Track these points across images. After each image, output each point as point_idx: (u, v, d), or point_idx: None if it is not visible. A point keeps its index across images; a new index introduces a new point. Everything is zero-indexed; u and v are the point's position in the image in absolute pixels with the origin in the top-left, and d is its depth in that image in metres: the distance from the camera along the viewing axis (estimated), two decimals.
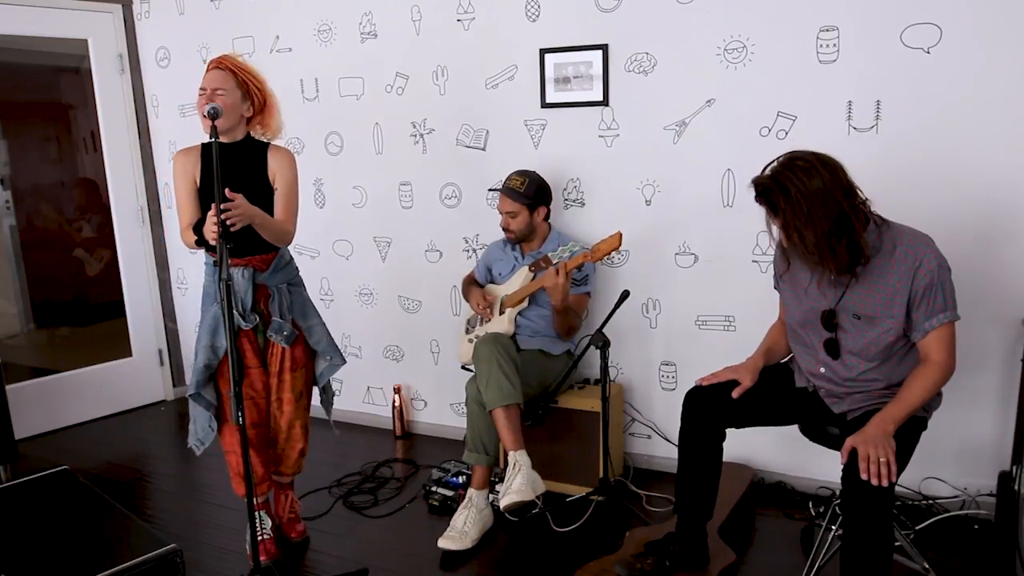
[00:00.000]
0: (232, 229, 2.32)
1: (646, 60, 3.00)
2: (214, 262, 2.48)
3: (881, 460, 1.82)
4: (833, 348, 2.12)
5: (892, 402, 1.97)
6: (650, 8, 2.95)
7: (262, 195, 2.51)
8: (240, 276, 2.46)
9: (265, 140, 2.57)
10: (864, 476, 1.82)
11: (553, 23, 3.13)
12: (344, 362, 2.72)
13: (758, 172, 1.98)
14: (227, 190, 2.25)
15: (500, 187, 3.00)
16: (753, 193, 1.97)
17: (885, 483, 1.81)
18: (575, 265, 2.78)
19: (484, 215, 3.40)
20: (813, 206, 1.87)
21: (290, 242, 2.60)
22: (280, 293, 2.55)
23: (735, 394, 2.21)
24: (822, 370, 2.18)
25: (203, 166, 2.48)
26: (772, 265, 2.36)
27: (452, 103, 3.40)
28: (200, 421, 2.57)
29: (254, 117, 2.52)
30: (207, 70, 2.43)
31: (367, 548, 2.73)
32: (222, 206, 2.22)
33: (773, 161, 1.98)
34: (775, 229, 2.01)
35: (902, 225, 2.03)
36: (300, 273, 2.69)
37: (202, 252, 2.56)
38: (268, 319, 2.55)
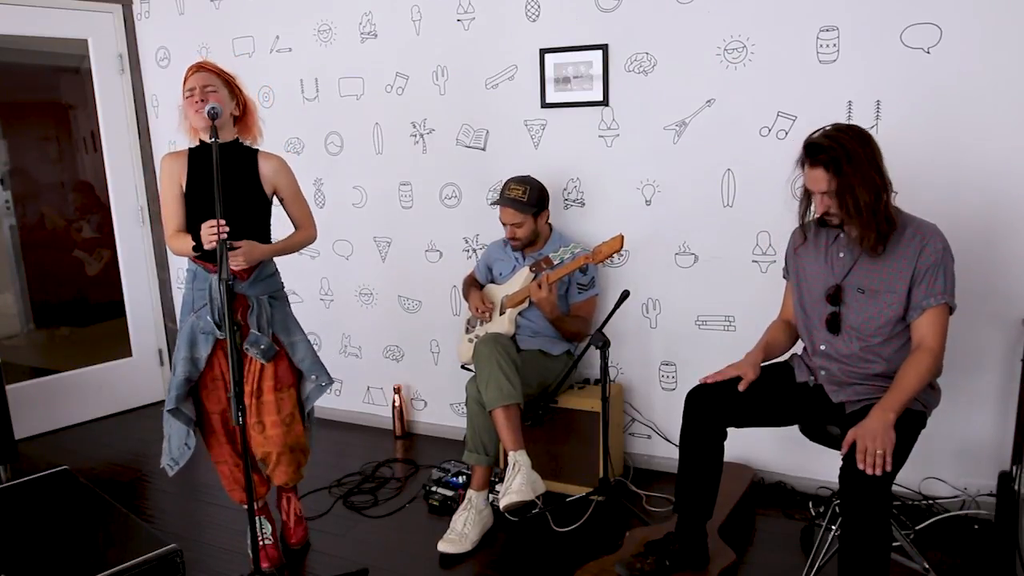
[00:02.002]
0: (239, 268, 2.37)
1: (646, 60, 3.00)
2: (200, 267, 2.46)
3: (878, 452, 1.85)
4: (835, 323, 2.18)
5: (888, 392, 2.01)
6: (650, 8, 2.95)
7: (255, 201, 2.49)
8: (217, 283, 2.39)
9: (248, 144, 2.54)
10: (860, 466, 1.85)
11: (553, 23, 3.13)
12: (331, 382, 2.62)
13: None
14: (230, 240, 2.27)
15: (500, 199, 2.97)
16: (810, 155, 2.04)
17: (879, 472, 1.84)
18: (557, 278, 2.79)
19: (484, 215, 3.40)
20: (867, 170, 1.99)
21: (315, 240, 2.64)
22: (260, 305, 2.48)
23: (741, 387, 2.23)
24: (822, 347, 2.22)
25: (190, 170, 2.45)
26: (784, 256, 2.40)
27: (452, 103, 3.40)
28: (175, 439, 2.48)
29: (239, 120, 2.51)
30: (188, 75, 2.44)
31: (367, 548, 2.73)
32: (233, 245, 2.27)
33: (818, 131, 2.07)
34: (826, 185, 2.04)
35: (912, 214, 2.13)
36: (286, 288, 2.63)
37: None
38: (246, 332, 2.46)
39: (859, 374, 2.15)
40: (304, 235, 2.60)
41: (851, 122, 2.12)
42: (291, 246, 2.57)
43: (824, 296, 2.19)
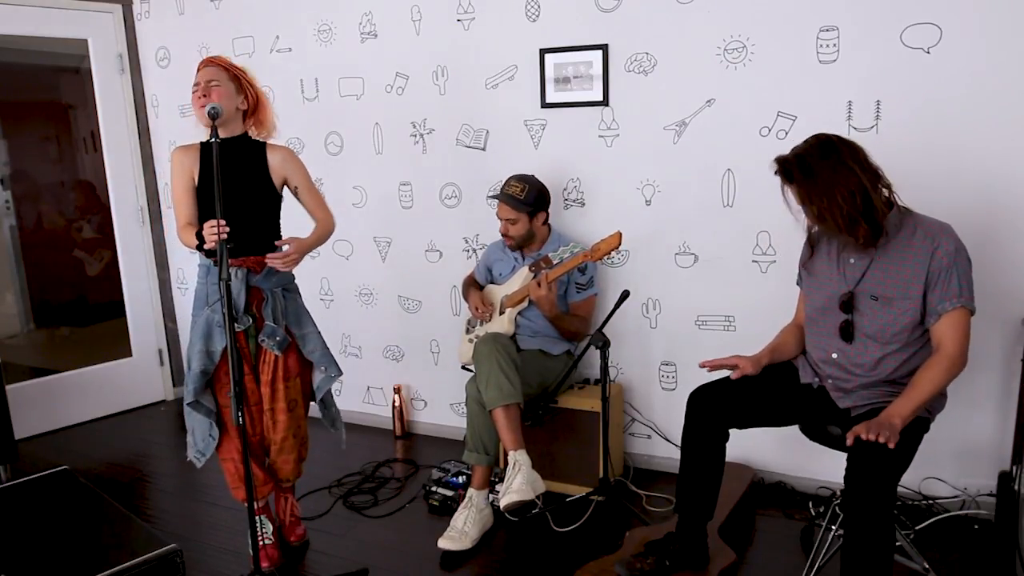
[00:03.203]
0: (293, 268, 2.44)
1: (646, 60, 3.00)
2: (213, 263, 2.47)
3: (886, 433, 1.83)
4: (848, 331, 2.14)
5: (900, 397, 1.97)
6: (650, 8, 2.95)
7: (264, 194, 2.51)
8: (234, 277, 2.42)
9: (261, 139, 2.56)
10: (864, 436, 1.83)
11: (553, 23, 3.13)
12: (340, 373, 2.66)
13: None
14: (277, 242, 2.42)
15: (499, 193, 2.98)
16: (775, 171, 2.05)
17: (892, 444, 1.81)
18: (557, 276, 2.79)
19: (484, 215, 3.40)
20: (827, 174, 1.96)
21: (335, 226, 2.65)
22: (275, 297, 2.52)
23: (733, 376, 2.22)
24: (834, 355, 2.19)
25: (202, 164, 2.47)
26: (798, 261, 2.36)
27: (452, 103, 3.40)
28: (200, 431, 2.51)
29: (249, 115, 2.52)
30: (198, 69, 2.45)
31: (367, 548, 2.73)
32: (272, 256, 2.37)
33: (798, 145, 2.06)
34: (794, 206, 2.06)
35: (924, 215, 2.09)
36: (296, 280, 2.66)
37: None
38: (261, 324, 2.51)
39: (869, 381, 2.12)
40: (326, 225, 2.62)
41: (829, 131, 2.08)
42: (321, 237, 2.60)
43: (837, 303, 2.15)
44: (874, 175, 2.00)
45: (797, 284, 2.39)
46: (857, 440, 1.88)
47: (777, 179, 2.08)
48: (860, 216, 1.97)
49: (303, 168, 2.60)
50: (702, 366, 2.29)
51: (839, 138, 2.03)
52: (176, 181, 2.48)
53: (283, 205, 2.62)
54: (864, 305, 2.11)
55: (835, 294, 2.16)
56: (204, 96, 2.36)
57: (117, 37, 4.08)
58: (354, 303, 3.87)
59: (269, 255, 2.38)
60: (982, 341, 2.61)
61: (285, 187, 2.59)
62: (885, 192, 2.03)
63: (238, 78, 2.47)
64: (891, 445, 1.81)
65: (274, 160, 2.52)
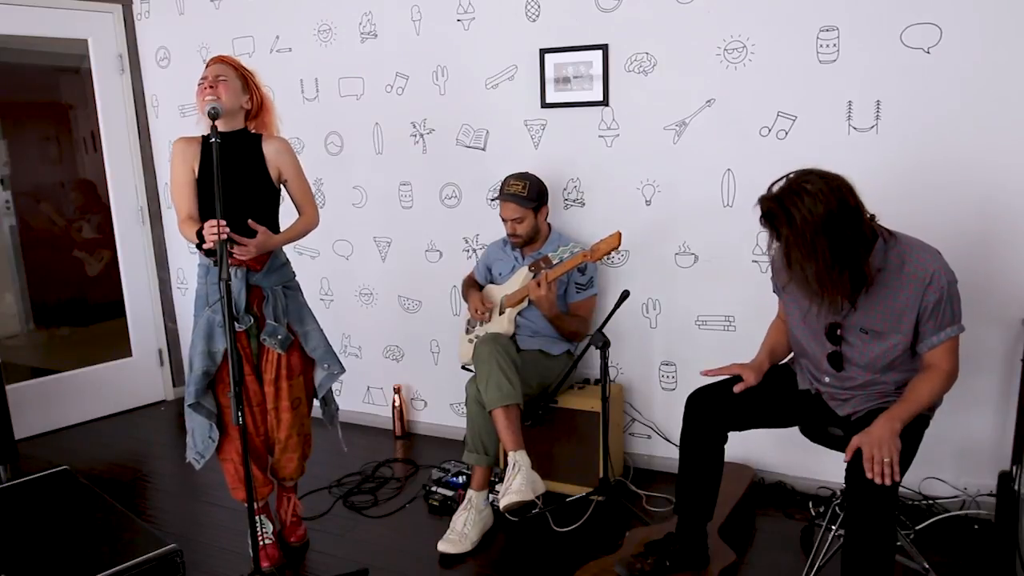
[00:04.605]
0: (247, 257, 2.39)
1: (646, 60, 3.00)
2: (213, 263, 2.47)
3: (885, 460, 1.82)
4: (837, 361, 2.11)
5: (899, 402, 1.97)
6: (650, 8, 2.95)
7: (261, 187, 2.51)
8: (233, 276, 2.42)
9: (255, 132, 2.56)
10: (869, 476, 1.82)
11: (553, 23, 3.13)
12: (343, 370, 2.67)
13: (757, 181, 1.97)
14: (250, 221, 2.36)
15: (500, 195, 2.98)
16: (758, 212, 1.92)
17: (888, 482, 1.81)
18: (556, 276, 2.79)
19: (484, 215, 3.40)
20: (817, 236, 1.81)
21: (317, 224, 2.64)
22: (275, 295, 2.52)
23: (737, 389, 2.20)
24: (826, 379, 2.17)
25: (203, 158, 2.46)
26: (772, 269, 2.31)
27: (452, 103, 3.40)
28: (199, 432, 2.50)
29: (252, 116, 2.53)
30: (207, 65, 2.47)
31: (367, 548, 2.73)
32: (240, 242, 2.33)
33: (782, 178, 1.92)
34: (774, 247, 1.97)
35: (910, 238, 2.00)
36: (297, 277, 2.66)
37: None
38: (263, 323, 2.51)
39: (864, 394, 2.12)
40: (306, 220, 2.61)
41: (823, 169, 1.89)
42: (297, 233, 2.59)
43: (823, 330, 2.09)
44: (859, 219, 1.86)
45: (774, 292, 2.32)
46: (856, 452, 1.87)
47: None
48: (843, 277, 1.86)
49: (295, 160, 2.59)
50: (703, 375, 2.29)
51: (829, 185, 1.83)
52: (176, 172, 2.47)
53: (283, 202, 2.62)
54: (853, 337, 2.06)
55: (821, 322, 2.09)
56: (210, 88, 2.37)
57: (117, 37, 4.08)
58: (354, 303, 3.87)
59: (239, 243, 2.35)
60: (982, 341, 2.62)
61: (281, 180, 2.58)
62: (870, 225, 1.92)
63: (245, 78, 2.49)
64: (887, 481, 1.81)
65: (269, 151, 2.52)
